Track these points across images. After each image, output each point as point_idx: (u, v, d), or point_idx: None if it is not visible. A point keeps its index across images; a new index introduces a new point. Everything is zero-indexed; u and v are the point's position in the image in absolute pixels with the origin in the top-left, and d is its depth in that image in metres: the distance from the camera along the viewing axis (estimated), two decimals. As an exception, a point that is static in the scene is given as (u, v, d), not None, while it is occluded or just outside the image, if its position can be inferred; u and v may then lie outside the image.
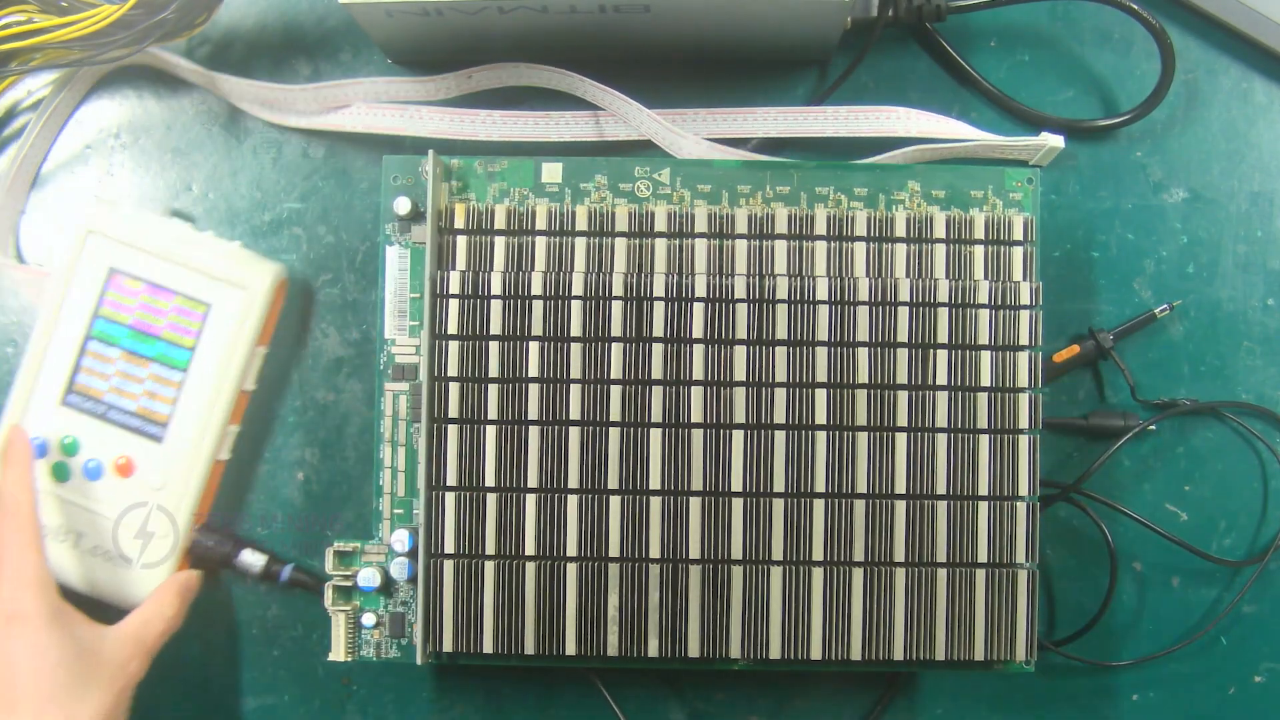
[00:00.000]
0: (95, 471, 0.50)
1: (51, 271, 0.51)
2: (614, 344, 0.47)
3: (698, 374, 0.47)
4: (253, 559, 0.51)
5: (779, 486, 0.47)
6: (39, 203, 0.54)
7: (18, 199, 0.54)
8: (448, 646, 0.47)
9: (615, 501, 0.47)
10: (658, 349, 0.47)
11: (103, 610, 0.49)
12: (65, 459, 0.50)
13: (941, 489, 0.47)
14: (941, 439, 0.47)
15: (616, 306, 0.47)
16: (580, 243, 0.48)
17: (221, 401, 0.50)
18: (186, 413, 0.50)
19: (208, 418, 0.50)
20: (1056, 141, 0.51)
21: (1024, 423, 0.47)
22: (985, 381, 0.47)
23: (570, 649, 0.47)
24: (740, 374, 0.47)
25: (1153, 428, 0.52)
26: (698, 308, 0.47)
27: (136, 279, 0.50)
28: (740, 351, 0.47)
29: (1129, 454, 0.53)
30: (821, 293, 0.48)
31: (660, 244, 0.48)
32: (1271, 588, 0.53)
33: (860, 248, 0.48)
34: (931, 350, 0.47)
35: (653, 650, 0.47)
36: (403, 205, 0.49)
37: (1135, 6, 0.52)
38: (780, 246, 0.48)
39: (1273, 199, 0.53)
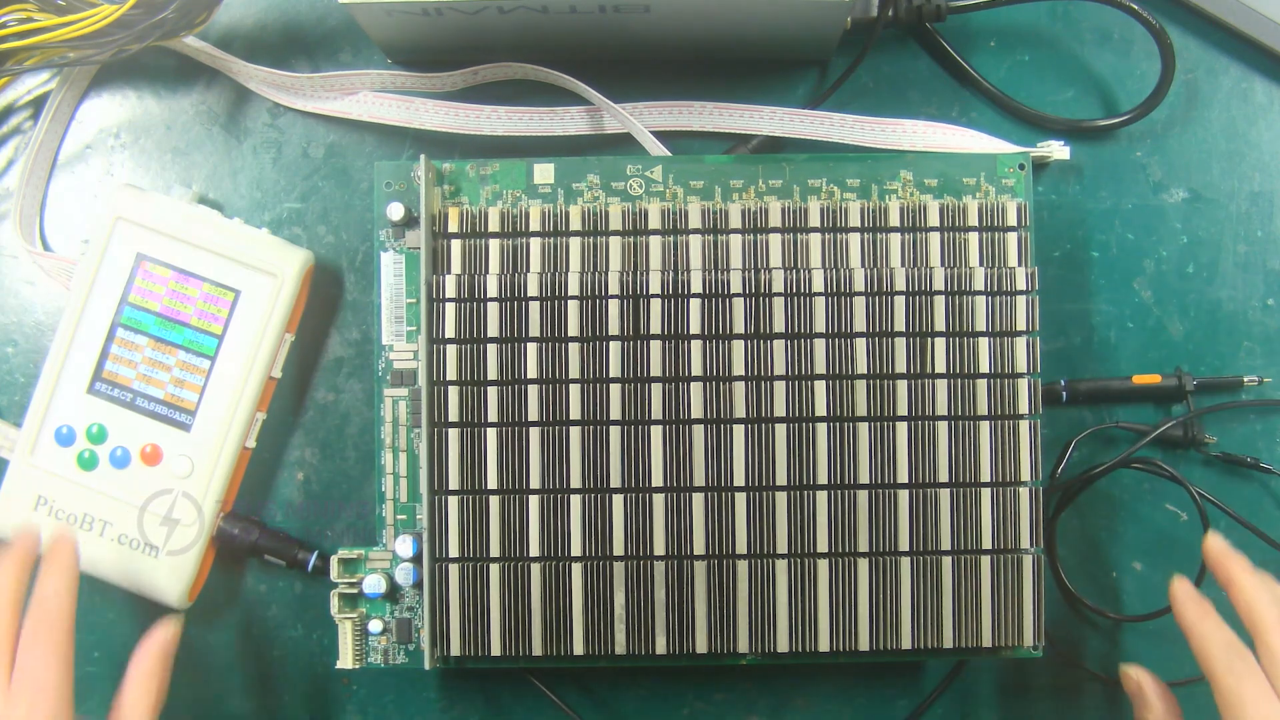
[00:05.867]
0: (122, 460, 0.50)
1: (78, 259, 0.51)
2: (612, 342, 0.47)
3: (696, 370, 0.47)
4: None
5: (781, 480, 0.47)
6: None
7: (37, 189, 0.54)
8: (455, 650, 0.47)
9: (618, 500, 0.47)
10: (655, 346, 0.47)
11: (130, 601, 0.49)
12: (92, 447, 0.50)
13: (944, 477, 0.47)
14: (942, 427, 0.47)
15: (613, 305, 0.47)
16: (575, 243, 0.48)
17: (249, 389, 0.50)
18: (214, 401, 0.50)
19: (235, 405, 0.50)
20: (1062, 153, 0.51)
21: (1024, 408, 0.47)
22: (984, 368, 0.47)
23: (578, 649, 0.47)
24: (739, 368, 0.47)
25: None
26: (694, 304, 0.47)
27: (165, 266, 0.50)
28: (738, 346, 0.47)
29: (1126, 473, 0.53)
30: (818, 285, 0.47)
31: (655, 241, 0.48)
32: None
33: (855, 239, 0.48)
34: (929, 339, 0.47)
35: (660, 648, 0.47)
36: (396, 211, 0.49)
37: (1135, 6, 0.51)
38: (775, 240, 0.48)
39: (1273, 199, 0.53)
